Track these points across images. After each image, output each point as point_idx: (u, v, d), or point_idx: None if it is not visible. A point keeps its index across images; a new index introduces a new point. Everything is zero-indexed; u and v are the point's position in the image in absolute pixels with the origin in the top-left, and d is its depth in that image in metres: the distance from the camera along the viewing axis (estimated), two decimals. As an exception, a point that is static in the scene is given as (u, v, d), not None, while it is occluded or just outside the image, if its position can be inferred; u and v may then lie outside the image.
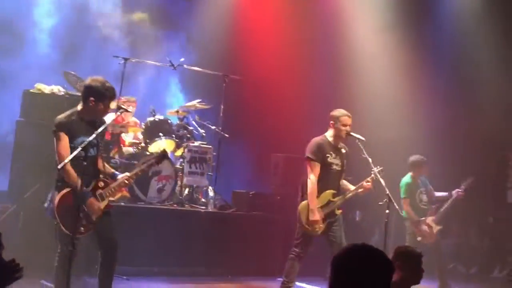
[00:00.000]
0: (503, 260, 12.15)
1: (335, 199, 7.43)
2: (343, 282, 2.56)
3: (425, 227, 9.33)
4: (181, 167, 9.83)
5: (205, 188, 10.31)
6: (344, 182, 7.65)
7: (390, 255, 3.81)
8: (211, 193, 10.10)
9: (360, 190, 7.48)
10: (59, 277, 5.88)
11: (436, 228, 9.35)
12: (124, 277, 8.02)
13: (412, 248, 4.85)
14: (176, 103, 12.26)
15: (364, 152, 7.34)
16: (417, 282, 4.51)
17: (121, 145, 9.88)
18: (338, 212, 7.47)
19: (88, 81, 6.08)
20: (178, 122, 10.40)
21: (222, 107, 10.36)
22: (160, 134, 9.89)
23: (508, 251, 12.17)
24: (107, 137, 9.30)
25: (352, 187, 7.55)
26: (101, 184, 6.04)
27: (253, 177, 11.86)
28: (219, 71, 10.69)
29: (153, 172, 9.17)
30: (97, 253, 6.18)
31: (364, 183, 7.43)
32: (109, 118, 6.72)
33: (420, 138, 11.25)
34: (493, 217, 12.84)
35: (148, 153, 9.53)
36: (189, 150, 9.84)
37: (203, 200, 10.22)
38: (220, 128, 10.34)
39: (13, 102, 9.64)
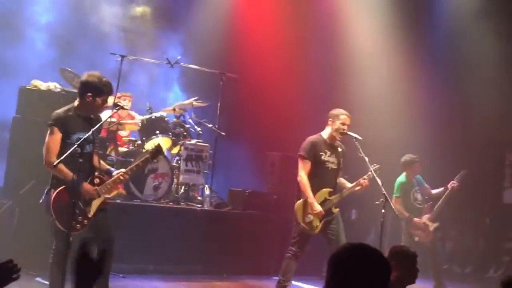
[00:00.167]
0: (498, 260, 12.18)
1: (332, 197, 7.43)
2: (340, 281, 2.55)
3: (417, 224, 9.30)
4: (177, 165, 9.82)
5: (201, 186, 10.30)
6: (341, 180, 7.66)
7: (385, 255, 3.80)
8: (207, 191, 10.09)
9: (357, 187, 7.48)
10: (54, 274, 5.86)
11: (432, 226, 9.34)
12: (120, 275, 8.01)
13: (407, 247, 4.85)
14: (172, 100, 12.24)
15: (361, 151, 7.35)
16: (412, 282, 4.51)
17: (117, 142, 9.87)
18: (336, 210, 7.47)
19: (84, 76, 6.05)
20: (174, 120, 10.38)
21: (219, 105, 10.35)
22: (157, 131, 9.88)
23: (503, 251, 12.20)
24: (104, 134, 9.29)
25: (349, 185, 7.55)
26: (97, 180, 6.03)
27: (250, 175, 11.84)
28: (216, 69, 10.68)
29: (149, 169, 9.16)
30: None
31: (361, 181, 7.43)
32: (105, 115, 6.71)
33: (417, 138, 11.26)
34: (488, 217, 12.87)
35: (144, 150, 9.51)
36: (186, 148, 9.82)
37: (199, 198, 10.21)
38: (217, 126, 10.33)
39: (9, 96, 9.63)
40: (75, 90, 7.17)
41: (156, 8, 12.58)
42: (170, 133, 10.08)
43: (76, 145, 5.64)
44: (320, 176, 7.41)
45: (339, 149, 7.59)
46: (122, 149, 9.89)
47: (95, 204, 6.00)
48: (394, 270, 4.19)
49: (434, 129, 11.89)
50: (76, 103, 6.01)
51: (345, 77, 12.15)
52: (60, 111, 5.98)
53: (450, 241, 12.64)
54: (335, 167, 7.51)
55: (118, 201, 8.93)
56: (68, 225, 5.60)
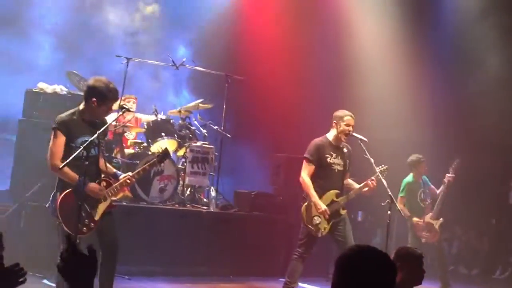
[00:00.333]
0: (504, 261, 12.15)
1: (339, 199, 7.41)
2: (347, 283, 2.55)
3: (420, 225, 9.28)
4: (183, 167, 9.83)
5: (207, 188, 10.30)
6: (349, 181, 7.63)
7: (391, 256, 3.80)
8: (213, 193, 10.08)
9: (365, 189, 7.46)
10: (61, 277, 5.85)
11: (437, 223, 9.31)
12: (126, 277, 8.02)
13: (413, 249, 4.82)
14: (178, 103, 12.26)
15: (366, 153, 7.34)
16: (419, 283, 4.50)
17: (123, 145, 9.88)
18: (343, 212, 7.45)
19: (91, 81, 6.03)
20: (180, 122, 10.39)
21: (224, 107, 10.36)
22: (162, 134, 9.89)
23: (509, 252, 12.16)
24: (110, 136, 9.31)
25: (357, 186, 7.53)
26: (104, 183, 6.02)
27: (255, 177, 11.85)
28: (221, 71, 10.69)
29: (155, 172, 9.16)
30: (99, 253, 6.17)
31: (369, 182, 7.40)
32: (111, 117, 6.71)
33: (422, 140, 11.24)
34: (495, 218, 12.84)
35: (150, 153, 9.53)
36: (191, 150, 9.83)
37: (205, 200, 10.22)
38: (222, 128, 10.34)
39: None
40: (81, 93, 7.19)
41: (162, 10, 12.60)
42: (175, 135, 10.09)
43: (81, 148, 5.64)
44: (327, 178, 7.39)
45: (345, 150, 7.57)
46: (128, 151, 9.89)
47: (102, 207, 5.99)
48: (400, 272, 4.19)
49: (439, 130, 11.87)
50: (81, 106, 5.99)
51: (350, 79, 12.13)
52: (64, 114, 5.97)
53: (456, 242, 12.62)
54: (341, 168, 7.49)
55: (124, 203, 8.94)
56: (75, 228, 5.60)
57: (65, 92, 9.15)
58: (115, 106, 6.65)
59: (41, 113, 8.85)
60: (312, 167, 7.37)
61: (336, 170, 7.46)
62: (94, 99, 5.89)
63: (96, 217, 5.94)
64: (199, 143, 10.07)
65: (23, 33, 10.98)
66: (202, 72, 10.87)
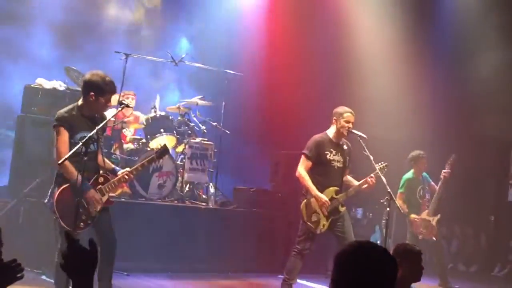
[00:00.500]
0: (503, 258, 12.17)
1: (338, 196, 7.39)
2: (346, 279, 2.53)
3: (417, 223, 9.28)
4: (182, 163, 9.82)
5: (206, 185, 10.29)
6: (348, 178, 7.61)
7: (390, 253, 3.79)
8: (212, 190, 10.09)
9: (364, 186, 7.43)
10: (59, 273, 5.85)
11: (434, 220, 9.31)
12: (124, 273, 8.00)
13: (411, 245, 4.81)
14: (177, 99, 12.24)
15: (366, 150, 7.32)
16: (417, 280, 4.49)
17: (122, 140, 9.87)
18: (342, 209, 7.42)
19: (87, 75, 6.01)
20: (179, 118, 10.38)
21: (223, 103, 10.35)
22: (161, 130, 9.87)
23: (508, 250, 12.17)
24: (108, 132, 9.29)
25: (356, 183, 7.51)
26: (101, 179, 6.00)
27: (254, 173, 11.84)
28: (221, 68, 10.67)
29: (154, 168, 9.15)
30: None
31: (368, 179, 7.38)
32: (109, 113, 6.69)
33: (422, 137, 11.25)
34: (493, 216, 12.85)
35: (149, 149, 9.52)
36: (190, 147, 9.82)
37: (204, 196, 10.20)
38: (221, 125, 10.33)
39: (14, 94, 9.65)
40: (80, 89, 7.17)
41: (162, 6, 12.60)
42: (174, 132, 10.08)
43: (80, 144, 5.62)
44: (326, 175, 7.37)
45: (345, 147, 7.55)
46: (127, 146, 9.88)
47: (99, 202, 5.98)
48: (399, 268, 4.18)
49: (439, 128, 11.87)
50: (80, 102, 5.98)
51: (351, 76, 12.14)
52: (63, 110, 5.95)
53: (455, 239, 12.63)
54: (341, 165, 7.47)
55: (123, 199, 8.94)
56: (72, 223, 5.58)
57: (64, 88, 9.12)
58: (114, 102, 6.63)
59: (40, 108, 8.82)
60: (310, 163, 7.35)
61: (336, 167, 7.44)
62: (92, 93, 5.87)
63: (93, 213, 5.93)
64: (198, 140, 10.06)
65: (21, 28, 10.96)
66: (201, 68, 10.85)
